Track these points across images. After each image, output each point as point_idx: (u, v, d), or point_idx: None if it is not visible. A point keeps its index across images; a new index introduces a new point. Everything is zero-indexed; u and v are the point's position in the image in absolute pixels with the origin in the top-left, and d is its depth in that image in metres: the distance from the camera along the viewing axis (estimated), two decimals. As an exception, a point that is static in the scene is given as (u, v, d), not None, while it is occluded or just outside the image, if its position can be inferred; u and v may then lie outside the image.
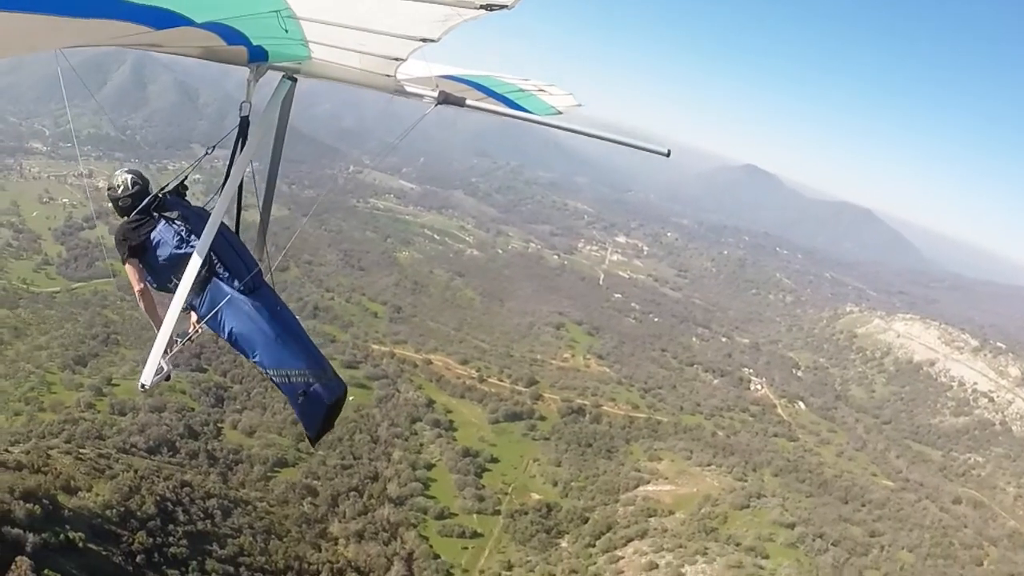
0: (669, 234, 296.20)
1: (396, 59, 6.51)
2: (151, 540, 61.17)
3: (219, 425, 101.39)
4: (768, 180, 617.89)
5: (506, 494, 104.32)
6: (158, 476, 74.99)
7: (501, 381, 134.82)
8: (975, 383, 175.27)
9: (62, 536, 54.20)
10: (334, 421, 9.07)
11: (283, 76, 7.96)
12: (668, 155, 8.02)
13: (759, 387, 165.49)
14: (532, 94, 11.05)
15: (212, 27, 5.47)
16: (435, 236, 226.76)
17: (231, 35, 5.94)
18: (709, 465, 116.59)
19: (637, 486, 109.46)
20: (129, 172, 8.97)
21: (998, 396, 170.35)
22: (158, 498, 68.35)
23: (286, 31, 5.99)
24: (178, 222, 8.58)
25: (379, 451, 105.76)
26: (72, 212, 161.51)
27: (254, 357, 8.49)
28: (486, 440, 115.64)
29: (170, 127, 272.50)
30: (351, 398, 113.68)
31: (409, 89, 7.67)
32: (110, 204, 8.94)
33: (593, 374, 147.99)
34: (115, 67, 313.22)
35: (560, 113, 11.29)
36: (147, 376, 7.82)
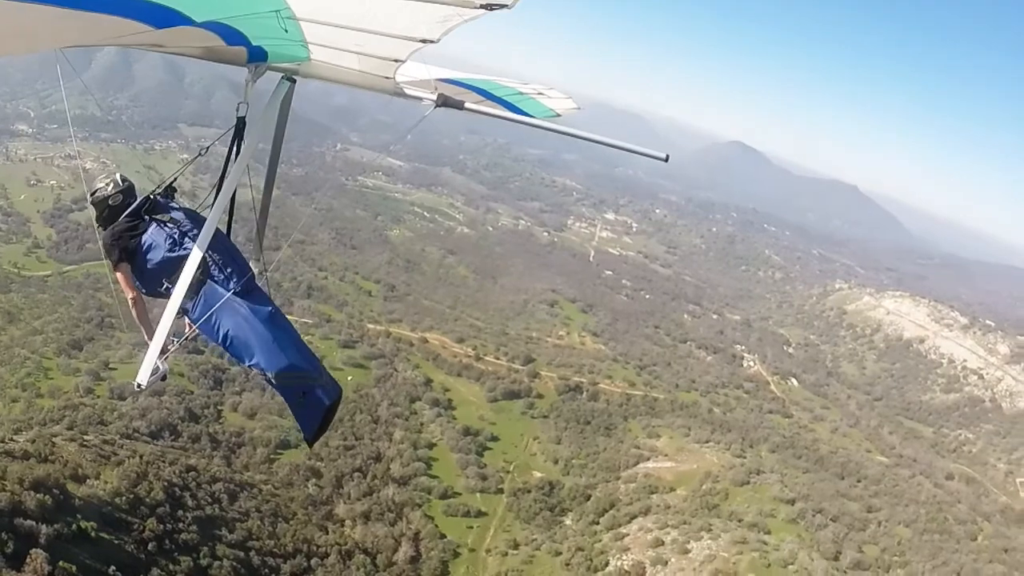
0: (658, 211, 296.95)
1: (396, 60, 6.52)
2: (161, 527, 61.24)
3: (219, 408, 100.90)
4: (756, 157, 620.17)
5: (508, 472, 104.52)
6: (163, 461, 74.94)
7: (498, 359, 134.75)
8: (965, 360, 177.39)
9: (74, 526, 54.41)
10: (331, 422, 9.04)
11: (282, 77, 7.95)
12: (666, 160, 7.74)
13: (752, 364, 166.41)
14: (531, 97, 11.10)
15: (212, 27, 5.49)
16: (425, 214, 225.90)
17: (231, 35, 5.96)
18: (707, 442, 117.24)
19: (637, 463, 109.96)
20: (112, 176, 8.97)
21: (988, 373, 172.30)
22: (165, 484, 68.54)
23: (286, 31, 5.98)
24: (169, 225, 8.46)
25: (380, 431, 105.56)
26: (60, 194, 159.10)
27: (252, 360, 8.38)
28: (485, 419, 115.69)
29: (157, 107, 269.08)
30: (349, 378, 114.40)
31: (408, 91, 7.69)
32: (93, 212, 8.84)
33: (589, 352, 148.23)
34: (99, 47, 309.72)
35: (558, 116, 11.36)
36: (143, 376, 7.70)
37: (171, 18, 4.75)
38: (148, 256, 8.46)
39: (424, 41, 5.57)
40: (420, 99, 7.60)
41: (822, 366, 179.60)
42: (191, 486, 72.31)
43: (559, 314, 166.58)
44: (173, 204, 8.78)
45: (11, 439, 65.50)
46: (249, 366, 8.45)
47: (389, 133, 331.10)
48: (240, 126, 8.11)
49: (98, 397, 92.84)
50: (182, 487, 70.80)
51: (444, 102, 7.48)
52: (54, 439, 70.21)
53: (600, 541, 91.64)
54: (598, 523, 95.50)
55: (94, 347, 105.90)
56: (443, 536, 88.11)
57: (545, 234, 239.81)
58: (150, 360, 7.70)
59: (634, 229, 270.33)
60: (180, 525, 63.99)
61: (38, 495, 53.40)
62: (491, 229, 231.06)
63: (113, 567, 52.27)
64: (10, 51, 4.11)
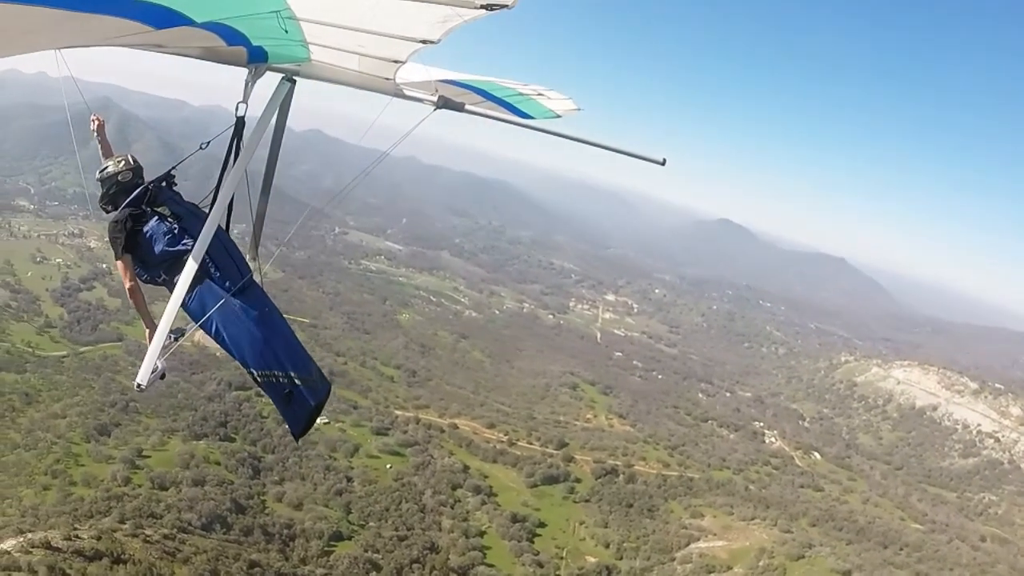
0: (657, 290, 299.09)
1: (396, 61, 6.55)
2: None
3: (263, 498, 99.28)
4: (742, 233, 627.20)
5: (561, 558, 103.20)
6: (226, 557, 73.73)
7: (531, 444, 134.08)
8: (979, 424, 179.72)
9: None
10: (317, 418, 9.31)
11: (282, 77, 8.00)
12: (663, 163, 8.01)
13: (773, 440, 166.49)
14: (531, 98, 11.03)
15: (212, 27, 5.50)
16: (431, 298, 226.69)
17: (231, 35, 5.97)
18: (753, 519, 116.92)
19: (688, 543, 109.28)
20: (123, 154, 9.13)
21: (1003, 436, 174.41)
22: None
23: (286, 32, 6.02)
24: (170, 219, 8.62)
25: (429, 520, 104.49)
26: (68, 273, 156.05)
27: (240, 356, 8.59)
28: (529, 504, 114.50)
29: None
30: (389, 466, 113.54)
31: (408, 93, 7.78)
32: (100, 191, 8.93)
33: (618, 433, 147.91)
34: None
35: (559, 117, 11.30)
36: (143, 376, 7.70)
37: (171, 18, 4.79)
38: (148, 248, 8.62)
39: (424, 42, 5.67)
40: (420, 100, 7.75)
41: (839, 438, 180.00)
42: None
43: (583, 396, 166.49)
44: (176, 196, 8.95)
45: (76, 536, 64.16)
46: (239, 361, 8.69)
47: (380, 216, 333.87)
48: (239, 126, 8.24)
49: (138, 487, 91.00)
50: None
51: (444, 104, 7.64)
52: (114, 533, 69.10)
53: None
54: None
55: (122, 433, 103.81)
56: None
57: (550, 316, 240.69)
58: (150, 359, 7.72)
59: (635, 310, 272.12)
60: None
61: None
62: (497, 312, 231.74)
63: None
64: (10, 52, 4.11)
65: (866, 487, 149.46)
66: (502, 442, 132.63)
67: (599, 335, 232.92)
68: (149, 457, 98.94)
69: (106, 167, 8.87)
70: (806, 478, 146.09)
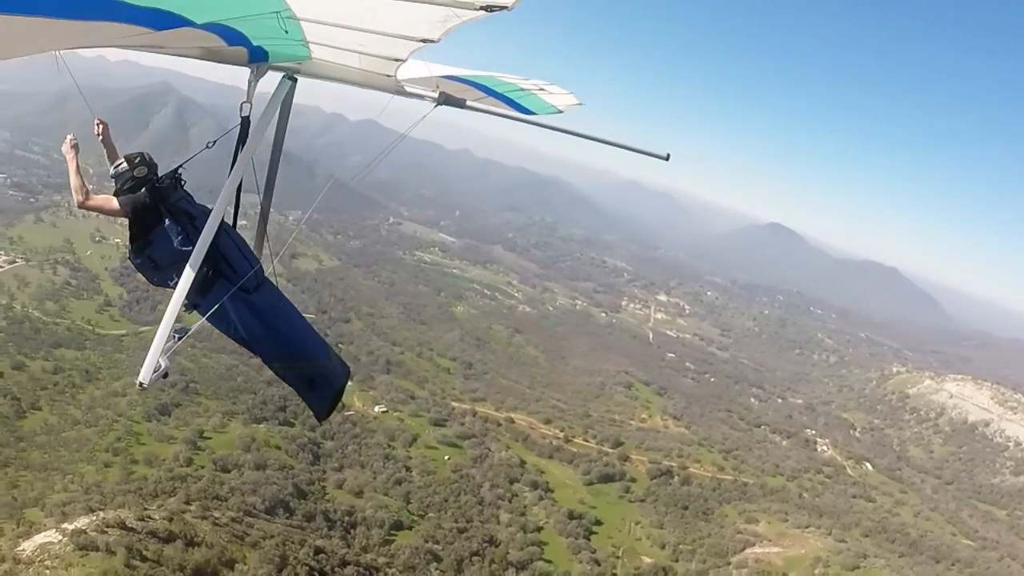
0: (708, 293, 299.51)
1: (396, 59, 6.59)
2: None
3: (323, 484, 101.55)
4: (793, 239, 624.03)
5: (617, 557, 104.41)
6: (292, 542, 74.41)
7: (587, 441, 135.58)
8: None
9: None
10: (339, 400, 9.61)
11: (284, 76, 8.04)
12: (667, 159, 7.96)
13: (825, 448, 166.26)
14: (532, 93, 10.91)
15: (212, 28, 5.52)
16: (485, 291, 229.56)
17: (231, 36, 6.01)
18: (807, 527, 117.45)
19: (744, 548, 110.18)
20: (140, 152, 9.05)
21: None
22: (307, 569, 68.34)
23: (286, 32, 6.08)
24: (183, 220, 8.69)
25: (487, 513, 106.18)
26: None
27: (261, 350, 8.87)
28: (585, 502, 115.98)
29: (212, 173, 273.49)
30: (447, 458, 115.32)
31: (409, 89, 7.88)
32: (115, 184, 8.98)
33: (673, 435, 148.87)
34: (157, 108, 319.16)
35: (560, 112, 11.18)
36: (145, 375, 7.71)
37: (172, 21, 4.84)
38: (162, 248, 8.74)
39: (424, 41, 5.70)
40: (422, 96, 7.83)
41: (890, 450, 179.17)
42: (326, 570, 72.02)
43: (637, 396, 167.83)
44: (189, 197, 8.96)
45: (148, 516, 64.22)
46: (258, 356, 8.99)
47: (434, 208, 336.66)
48: (244, 125, 8.21)
49: (200, 468, 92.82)
50: (320, 572, 70.60)
51: (446, 100, 7.71)
52: (183, 515, 69.44)
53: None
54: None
55: (183, 413, 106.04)
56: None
57: (603, 315, 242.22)
58: (152, 358, 7.70)
59: (687, 311, 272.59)
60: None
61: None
62: (551, 308, 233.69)
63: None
64: (10, 55, 4.11)
65: (917, 500, 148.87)
66: (558, 438, 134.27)
67: (651, 335, 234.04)
68: (210, 439, 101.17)
69: (120, 163, 8.88)
70: (858, 488, 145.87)
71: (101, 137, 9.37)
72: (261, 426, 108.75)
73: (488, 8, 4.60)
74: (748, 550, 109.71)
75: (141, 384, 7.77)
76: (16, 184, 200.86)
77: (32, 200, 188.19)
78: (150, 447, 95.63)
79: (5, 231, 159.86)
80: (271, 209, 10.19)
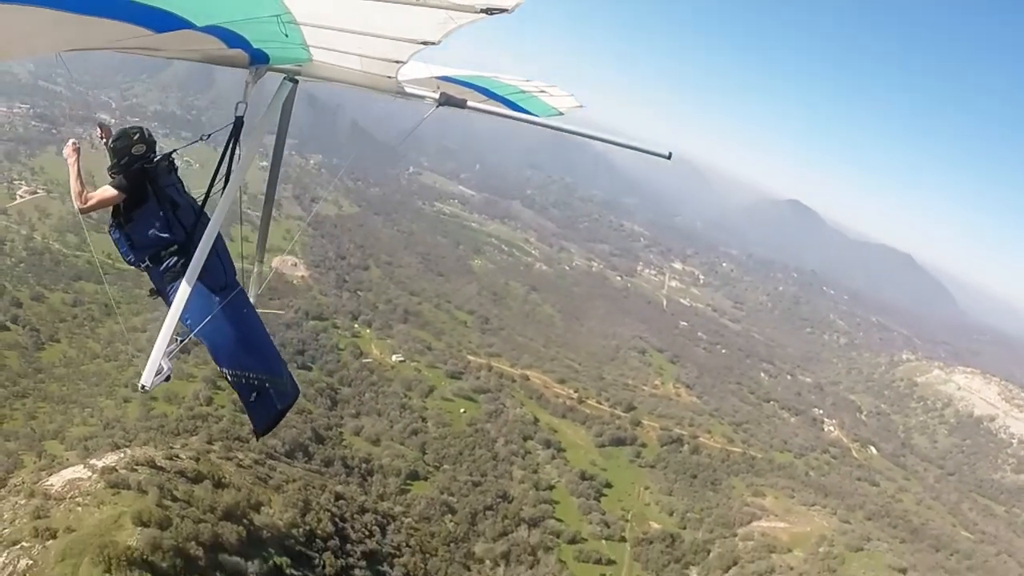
0: (724, 264, 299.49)
1: (397, 61, 6.57)
2: (339, 562, 62.36)
3: (340, 430, 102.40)
4: (811, 217, 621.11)
5: (627, 520, 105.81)
6: (313, 487, 74.90)
7: (600, 404, 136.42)
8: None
9: (271, 562, 54.70)
10: (280, 421, 9.47)
11: (284, 78, 7.99)
12: (669, 157, 7.75)
13: (831, 429, 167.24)
14: (533, 95, 10.96)
15: (213, 31, 5.48)
16: (503, 247, 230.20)
17: (232, 39, 5.96)
18: (814, 505, 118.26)
19: (750, 521, 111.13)
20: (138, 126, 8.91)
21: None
22: (329, 514, 69.10)
23: (286, 36, 6.06)
24: (168, 208, 8.59)
25: (501, 469, 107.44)
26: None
27: (215, 354, 8.85)
28: (597, 464, 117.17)
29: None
30: (463, 411, 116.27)
31: (410, 91, 7.81)
32: (110, 160, 8.85)
33: (685, 404, 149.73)
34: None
35: (561, 114, 11.24)
36: (147, 377, 7.55)
37: (172, 22, 4.81)
38: (140, 228, 8.66)
39: (424, 43, 5.70)
40: (422, 98, 7.75)
41: (895, 436, 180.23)
42: (347, 517, 72.89)
43: (651, 363, 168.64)
44: (178, 183, 8.84)
45: (176, 456, 63.91)
46: (213, 359, 8.95)
47: (455, 160, 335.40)
48: (237, 125, 7.90)
49: (221, 407, 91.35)
50: (341, 518, 71.36)
51: (446, 101, 7.61)
52: (208, 455, 69.14)
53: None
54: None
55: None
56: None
57: (618, 278, 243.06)
58: (154, 360, 7.55)
59: (701, 281, 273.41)
60: (350, 560, 64.93)
61: (235, 527, 53.59)
62: (567, 268, 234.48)
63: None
64: (7, 55, 4.04)
65: (920, 488, 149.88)
66: (571, 399, 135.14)
67: (665, 302, 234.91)
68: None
69: (119, 136, 8.67)
70: (863, 471, 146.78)
71: (105, 141, 9.09)
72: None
73: (488, 11, 4.63)
74: (754, 523, 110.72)
75: (143, 387, 7.62)
76: (39, 115, 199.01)
77: (54, 132, 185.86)
78: (170, 384, 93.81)
79: (27, 162, 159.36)
80: (271, 211, 10.45)
